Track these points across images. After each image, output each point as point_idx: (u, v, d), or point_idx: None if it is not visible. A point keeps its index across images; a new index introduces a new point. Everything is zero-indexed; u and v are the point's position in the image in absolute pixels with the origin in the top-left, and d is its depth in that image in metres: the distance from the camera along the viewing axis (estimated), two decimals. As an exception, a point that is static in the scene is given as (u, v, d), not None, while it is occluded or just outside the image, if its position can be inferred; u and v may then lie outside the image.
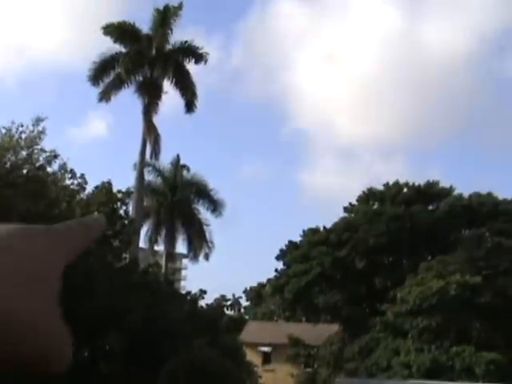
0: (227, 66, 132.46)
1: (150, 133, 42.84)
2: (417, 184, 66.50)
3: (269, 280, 72.39)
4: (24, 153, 25.93)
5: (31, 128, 25.85)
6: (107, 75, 43.38)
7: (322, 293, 62.18)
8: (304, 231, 69.30)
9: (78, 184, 28.91)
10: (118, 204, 31.19)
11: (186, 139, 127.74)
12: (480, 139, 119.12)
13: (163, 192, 51.38)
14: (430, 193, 65.54)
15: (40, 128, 25.97)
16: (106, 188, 30.96)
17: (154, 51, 44.15)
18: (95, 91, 43.46)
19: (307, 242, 66.59)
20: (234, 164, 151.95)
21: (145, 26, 44.88)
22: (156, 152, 43.67)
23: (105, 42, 43.62)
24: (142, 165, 43.65)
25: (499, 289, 46.86)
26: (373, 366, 44.84)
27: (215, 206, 50.85)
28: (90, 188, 30.23)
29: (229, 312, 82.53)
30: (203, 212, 51.53)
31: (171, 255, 52.11)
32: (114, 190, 31.39)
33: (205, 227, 51.37)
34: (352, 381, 34.33)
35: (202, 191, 51.11)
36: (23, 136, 25.83)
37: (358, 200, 67.85)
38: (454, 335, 43.64)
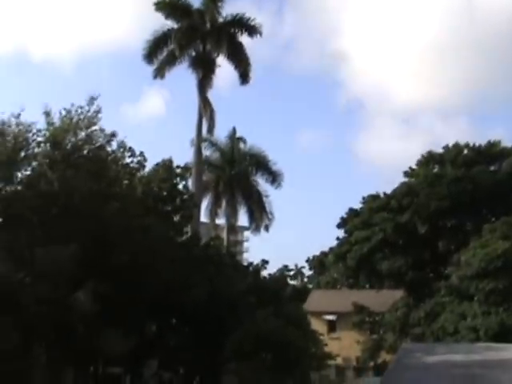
0: (279, 35, 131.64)
1: (205, 107, 43.00)
2: (477, 145, 65.31)
3: (331, 248, 72.24)
4: (83, 134, 26.33)
5: (87, 108, 26.18)
6: (161, 52, 43.64)
7: (385, 259, 61.88)
8: (364, 198, 68.94)
9: (138, 162, 29.26)
10: (178, 179, 31.49)
11: (241, 112, 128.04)
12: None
13: (221, 165, 51.62)
14: (491, 153, 64.28)
15: (95, 107, 26.29)
16: (166, 165, 31.27)
17: (206, 25, 44.15)
18: (150, 69, 43.81)
19: (368, 209, 66.22)
20: (291, 134, 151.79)
21: (195, 0, 44.99)
22: (211, 126, 43.85)
23: (158, 18, 43.84)
24: (199, 140, 43.92)
25: None
26: (439, 331, 44.46)
27: (274, 177, 50.86)
28: (148, 166, 30.61)
29: (292, 282, 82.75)
30: (262, 184, 51.68)
31: (232, 228, 52.42)
32: (174, 166, 31.74)
33: (264, 199, 51.50)
34: (419, 346, 34.11)
35: (259, 163, 51.11)
36: (82, 117, 26.20)
37: (417, 164, 67.01)
38: (521, 297, 42.93)
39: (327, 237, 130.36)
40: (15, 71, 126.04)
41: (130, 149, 28.58)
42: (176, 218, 31.22)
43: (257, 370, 25.73)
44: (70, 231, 23.66)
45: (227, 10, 44.64)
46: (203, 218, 47.14)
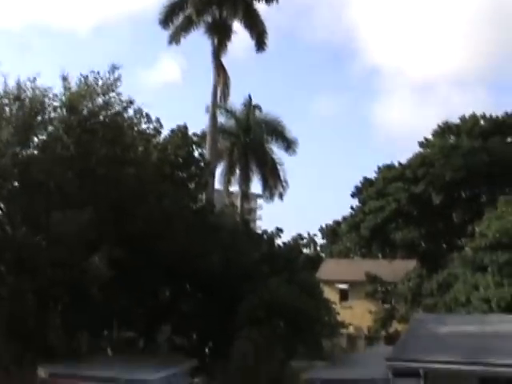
0: (296, 3, 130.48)
1: (220, 74, 42.81)
2: (494, 116, 64.70)
3: (344, 218, 72.21)
4: (100, 100, 26.31)
5: (107, 75, 26.12)
6: (177, 17, 43.41)
7: (399, 229, 61.81)
8: (379, 168, 68.64)
9: (154, 128, 29.21)
10: (193, 147, 31.43)
11: (256, 80, 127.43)
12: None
13: (236, 133, 51.53)
14: (508, 124, 63.68)
15: (116, 75, 26.22)
16: (181, 131, 31.20)
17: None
18: (166, 34, 43.59)
19: (382, 179, 65.99)
20: (306, 102, 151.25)
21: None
22: (226, 94, 43.67)
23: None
24: (214, 107, 43.77)
25: None
26: (451, 302, 44.42)
27: (288, 145, 50.77)
28: (164, 132, 30.53)
29: (305, 250, 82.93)
30: (277, 151, 51.61)
31: (246, 195, 52.51)
32: (189, 133, 31.65)
33: (278, 166, 51.47)
34: (431, 316, 34.20)
35: (274, 130, 50.97)
36: (99, 83, 26.15)
37: (433, 134, 66.54)
38: (535, 269, 42.78)
39: (341, 206, 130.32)
40: (36, 37, 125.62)
41: (147, 115, 28.55)
42: (191, 186, 31.24)
43: (269, 336, 25.92)
44: (86, 196, 23.80)
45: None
46: (217, 185, 47.22)
